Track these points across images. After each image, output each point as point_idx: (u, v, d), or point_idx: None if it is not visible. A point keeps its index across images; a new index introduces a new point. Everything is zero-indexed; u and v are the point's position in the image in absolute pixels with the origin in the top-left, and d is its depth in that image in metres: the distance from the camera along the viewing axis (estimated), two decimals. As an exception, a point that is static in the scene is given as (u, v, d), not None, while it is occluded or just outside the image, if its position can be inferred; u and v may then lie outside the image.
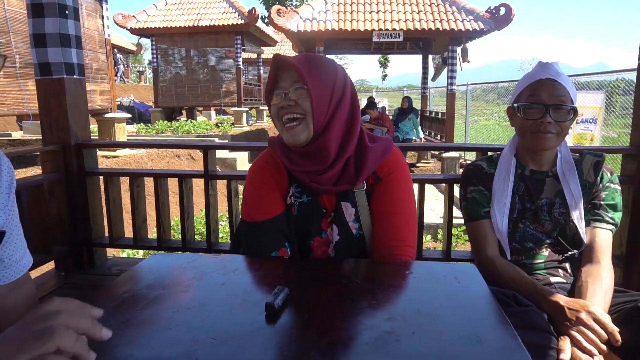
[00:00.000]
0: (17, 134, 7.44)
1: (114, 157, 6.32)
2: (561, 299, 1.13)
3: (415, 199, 1.20)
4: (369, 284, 0.96)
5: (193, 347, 0.69)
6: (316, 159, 1.10)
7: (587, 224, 1.32)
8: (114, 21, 11.99)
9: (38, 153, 2.58)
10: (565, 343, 1.06)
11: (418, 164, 9.46)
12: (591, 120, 6.45)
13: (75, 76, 2.34)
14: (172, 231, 2.70)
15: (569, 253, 1.33)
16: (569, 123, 1.29)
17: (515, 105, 1.34)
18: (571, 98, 1.28)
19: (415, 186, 2.27)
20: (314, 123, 1.06)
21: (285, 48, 19.46)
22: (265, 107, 15.50)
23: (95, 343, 0.53)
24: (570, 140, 6.39)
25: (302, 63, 1.05)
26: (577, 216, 1.30)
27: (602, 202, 1.33)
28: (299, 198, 1.17)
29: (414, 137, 9.28)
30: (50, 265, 2.53)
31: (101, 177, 2.52)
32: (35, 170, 5.06)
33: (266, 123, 14.33)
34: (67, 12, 2.23)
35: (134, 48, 17.39)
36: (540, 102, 1.27)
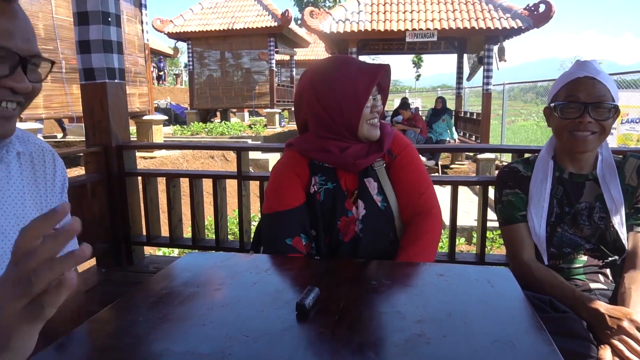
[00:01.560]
0: (62, 136, 7.80)
1: (151, 157, 6.52)
2: (601, 305, 1.09)
3: (427, 172, 1.38)
4: (400, 285, 0.96)
5: (226, 343, 0.71)
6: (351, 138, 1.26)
7: (630, 228, 1.26)
8: (153, 26, 12.38)
9: (81, 154, 2.69)
10: (605, 352, 1.02)
11: (452, 166, 9.28)
12: (637, 120, 6.16)
13: (116, 80, 2.43)
14: (205, 231, 2.76)
15: (610, 259, 1.27)
16: (610, 122, 1.23)
17: (552, 105, 1.30)
18: (612, 96, 1.22)
19: (449, 188, 2.24)
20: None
21: (318, 50, 19.53)
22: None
23: (134, 336, 0.55)
24: (614, 141, 6.12)
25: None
26: (618, 222, 1.24)
27: None
28: (323, 185, 1.28)
29: (447, 138, 9.11)
30: (92, 261, 2.64)
31: (139, 178, 2.61)
32: (78, 171, 5.28)
33: (298, 124, 14.38)
34: (109, 19, 2.33)
35: (171, 52, 17.88)
36: (578, 101, 1.22)
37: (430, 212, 1.29)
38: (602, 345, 1.04)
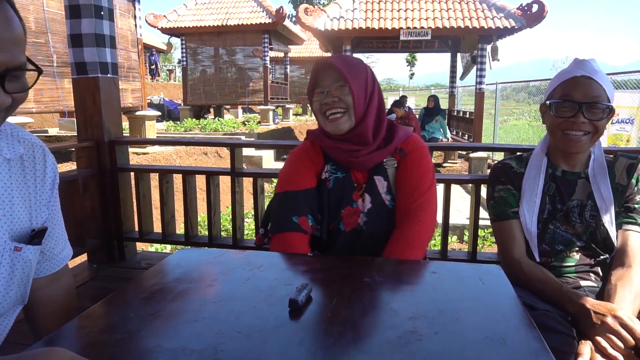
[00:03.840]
0: (53, 131, 7.72)
1: (144, 153, 6.48)
2: (588, 301, 1.10)
3: (434, 178, 1.34)
4: (392, 282, 0.96)
5: (218, 339, 0.71)
6: (356, 142, 1.29)
7: (619, 226, 1.27)
8: (146, 21, 12.25)
9: (73, 149, 2.67)
10: (584, 347, 1.02)
11: (445, 164, 9.33)
12: (628, 121, 6.22)
13: (109, 75, 2.41)
14: (198, 227, 2.75)
15: (601, 257, 1.29)
16: (604, 122, 1.24)
17: (547, 102, 1.30)
18: (608, 97, 1.22)
19: (441, 186, 2.25)
20: (355, 114, 1.25)
21: (312, 47, 19.47)
22: (291, 106, 15.51)
23: (126, 332, 0.55)
24: (604, 141, 6.18)
25: (342, 64, 1.24)
26: (608, 220, 1.26)
27: (636, 206, 1.28)
28: (334, 174, 1.32)
29: (440, 137, 9.15)
30: (83, 257, 2.62)
31: (132, 173, 2.60)
32: (70, 165, 5.24)
33: (292, 121, 14.39)
34: (102, 13, 2.31)
35: (164, 47, 17.75)
36: (573, 100, 1.23)
37: (418, 218, 1.25)
38: (582, 341, 1.04)
